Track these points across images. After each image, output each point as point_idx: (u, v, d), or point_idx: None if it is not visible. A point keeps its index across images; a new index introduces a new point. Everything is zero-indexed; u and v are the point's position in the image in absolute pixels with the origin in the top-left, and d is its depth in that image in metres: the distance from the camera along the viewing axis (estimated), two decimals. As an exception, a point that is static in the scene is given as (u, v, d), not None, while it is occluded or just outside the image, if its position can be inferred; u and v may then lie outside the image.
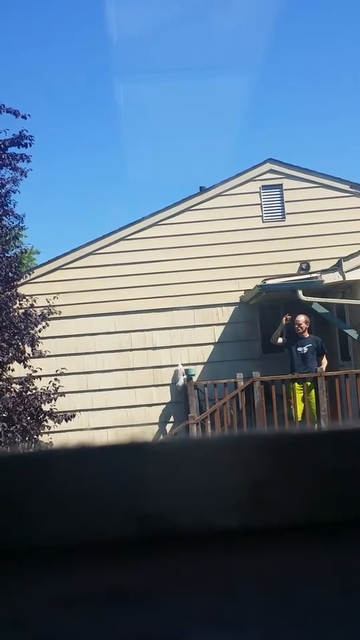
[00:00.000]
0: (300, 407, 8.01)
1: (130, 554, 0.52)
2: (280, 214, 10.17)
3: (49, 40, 33.10)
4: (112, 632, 0.45)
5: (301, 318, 8.23)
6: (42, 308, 8.61)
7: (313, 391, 8.06)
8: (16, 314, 8.41)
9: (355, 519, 0.54)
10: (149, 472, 0.53)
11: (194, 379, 9.22)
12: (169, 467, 0.54)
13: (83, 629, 0.46)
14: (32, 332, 8.36)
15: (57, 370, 8.64)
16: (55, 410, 8.30)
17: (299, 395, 8.04)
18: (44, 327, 8.52)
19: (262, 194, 10.17)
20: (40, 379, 8.47)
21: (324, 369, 8.14)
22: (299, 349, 8.16)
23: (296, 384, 8.04)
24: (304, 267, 9.73)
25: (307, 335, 8.22)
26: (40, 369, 8.52)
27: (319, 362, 8.16)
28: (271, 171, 10.28)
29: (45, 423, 8.26)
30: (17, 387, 8.39)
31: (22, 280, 9.05)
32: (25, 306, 8.58)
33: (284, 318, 8.34)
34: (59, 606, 0.48)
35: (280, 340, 8.40)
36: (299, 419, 7.96)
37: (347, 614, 0.46)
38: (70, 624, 0.46)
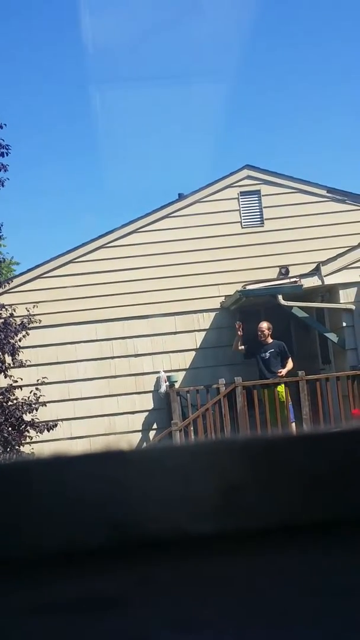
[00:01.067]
0: (269, 411, 8.08)
1: (106, 561, 0.53)
2: (258, 219, 10.24)
3: (24, 49, 33.04)
4: (87, 639, 0.46)
5: (263, 325, 8.39)
6: (22, 317, 8.56)
7: (282, 394, 8.12)
8: (-4, 323, 8.35)
9: (329, 523, 0.55)
10: (123, 480, 0.53)
11: (176, 385, 9.22)
12: (145, 475, 0.54)
13: (57, 636, 0.46)
14: (12, 341, 8.30)
15: (38, 380, 8.58)
16: (37, 420, 8.24)
17: (269, 399, 8.11)
18: (24, 337, 8.47)
19: (240, 200, 10.23)
20: (21, 389, 8.41)
21: (284, 373, 8.17)
22: (263, 354, 8.33)
23: (265, 390, 8.12)
24: (284, 272, 9.80)
25: (270, 340, 8.34)
26: (21, 379, 8.45)
27: (283, 366, 8.25)
28: (249, 177, 10.34)
29: (27, 433, 8.20)
30: (-2, 397, 8.32)
31: (1, 290, 8.99)
32: (4, 316, 8.52)
33: (237, 326, 8.48)
34: (34, 614, 0.48)
35: (241, 347, 8.55)
36: (272, 424, 8.02)
37: (322, 617, 0.46)
38: (45, 631, 0.46)
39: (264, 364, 8.34)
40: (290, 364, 8.30)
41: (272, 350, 8.32)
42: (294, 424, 8.06)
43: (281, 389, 8.16)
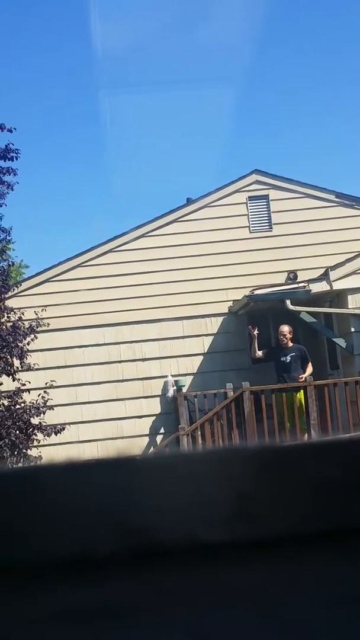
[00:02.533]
0: (287, 416, 8.02)
1: (117, 569, 0.53)
2: (267, 224, 10.23)
3: (33, 54, 33.24)
4: None
5: (285, 328, 8.27)
6: (31, 321, 8.58)
7: (301, 400, 8.06)
8: (4, 327, 8.38)
9: (340, 531, 0.55)
10: (135, 487, 0.53)
11: (184, 389, 9.21)
12: (156, 482, 0.54)
13: None
14: (20, 344, 8.33)
15: (46, 383, 8.60)
16: (45, 424, 8.25)
17: (286, 404, 8.05)
18: (32, 340, 8.50)
19: (248, 204, 10.23)
20: (29, 392, 8.43)
21: (304, 377, 8.09)
22: (283, 358, 8.21)
23: (283, 394, 8.06)
24: (292, 276, 9.79)
25: (290, 344, 8.25)
26: (29, 382, 8.47)
27: (303, 370, 8.17)
28: (257, 182, 10.35)
29: (34, 437, 8.21)
30: (6, 401, 8.34)
31: (10, 293, 9.03)
32: (13, 319, 8.55)
33: (252, 329, 8.30)
34: (46, 622, 0.48)
35: (259, 353, 8.37)
36: (286, 429, 7.97)
37: (335, 626, 0.46)
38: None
39: (284, 368, 8.21)
40: (310, 369, 8.21)
41: (293, 354, 8.21)
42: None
43: (300, 395, 8.09)
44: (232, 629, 0.46)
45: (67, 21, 30.98)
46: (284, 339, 8.22)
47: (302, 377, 8.09)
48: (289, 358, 8.18)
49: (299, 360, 8.19)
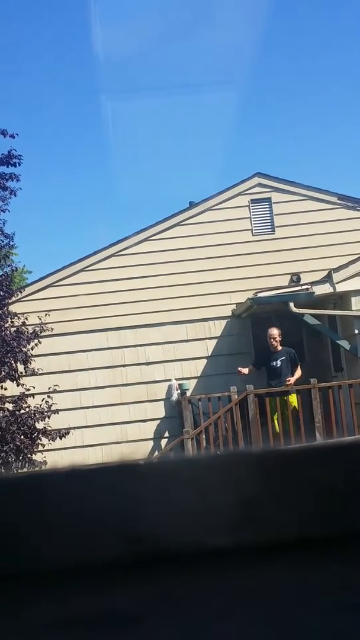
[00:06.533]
0: (276, 422, 7.99)
1: (122, 575, 0.52)
2: (269, 227, 10.23)
3: (35, 59, 33.37)
4: None
5: (274, 331, 8.20)
6: (34, 326, 8.59)
7: (294, 404, 8.00)
8: (8, 332, 8.39)
9: (346, 536, 0.55)
10: (140, 493, 0.53)
11: (188, 393, 9.20)
12: (161, 487, 0.54)
13: None
14: (24, 349, 8.33)
15: (50, 388, 8.60)
16: (49, 428, 8.25)
17: (280, 408, 8.01)
18: (36, 345, 8.50)
19: (251, 207, 10.23)
20: (34, 397, 8.43)
21: (292, 381, 7.97)
22: (273, 363, 8.14)
23: (270, 399, 8.00)
24: (295, 279, 9.77)
25: (279, 348, 8.20)
26: (33, 387, 8.48)
27: (292, 373, 8.12)
28: (260, 185, 10.35)
29: (39, 441, 8.21)
30: (10, 406, 8.34)
31: (13, 299, 9.04)
32: (17, 324, 8.55)
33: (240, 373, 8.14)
34: (52, 629, 0.48)
35: (245, 370, 8.16)
36: (276, 434, 7.92)
37: (342, 634, 0.46)
38: None
39: (274, 374, 8.18)
40: (299, 372, 8.17)
41: (283, 358, 8.18)
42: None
43: (293, 398, 8.06)
44: (238, 634, 0.46)
45: (69, 27, 31.10)
46: (274, 342, 8.16)
47: (289, 381, 8.01)
48: (279, 362, 8.12)
49: (289, 364, 8.13)
